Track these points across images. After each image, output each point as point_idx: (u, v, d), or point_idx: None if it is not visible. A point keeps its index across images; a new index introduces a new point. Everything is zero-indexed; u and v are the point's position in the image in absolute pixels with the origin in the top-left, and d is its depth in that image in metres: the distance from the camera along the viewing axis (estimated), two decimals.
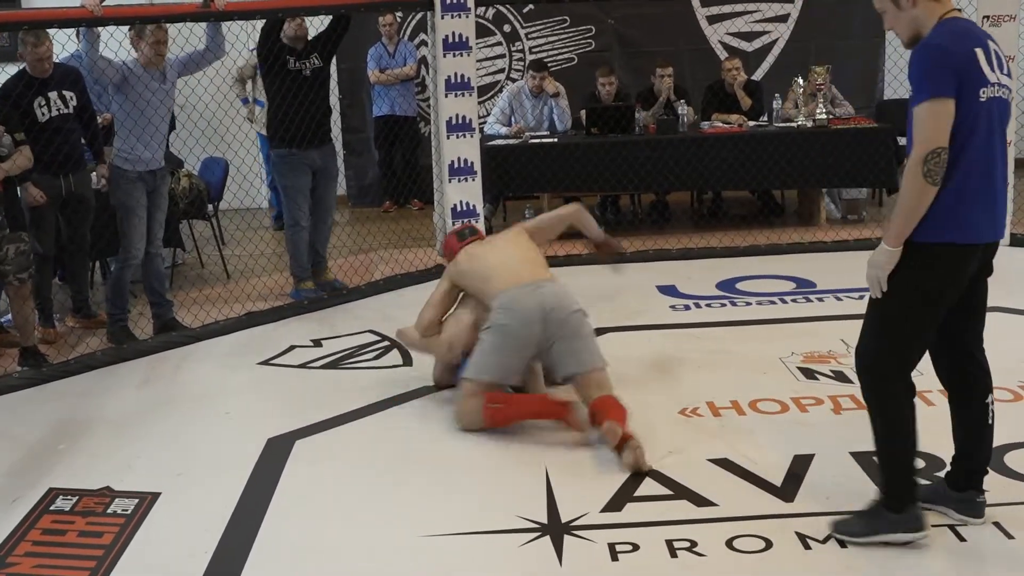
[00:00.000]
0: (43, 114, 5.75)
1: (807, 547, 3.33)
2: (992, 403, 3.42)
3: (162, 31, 5.77)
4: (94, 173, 6.09)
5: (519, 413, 4.38)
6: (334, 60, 9.38)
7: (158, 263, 6.09)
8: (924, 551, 3.27)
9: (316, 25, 6.76)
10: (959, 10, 3.19)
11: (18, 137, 5.48)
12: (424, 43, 9.06)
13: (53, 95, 5.79)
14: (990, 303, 5.92)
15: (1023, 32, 7.15)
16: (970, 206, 3.11)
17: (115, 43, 5.90)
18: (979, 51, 3.07)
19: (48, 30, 5.73)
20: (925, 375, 4.68)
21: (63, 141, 5.78)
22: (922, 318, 3.21)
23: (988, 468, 3.46)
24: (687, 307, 6.12)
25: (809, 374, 4.86)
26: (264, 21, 6.38)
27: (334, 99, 9.40)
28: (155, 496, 3.94)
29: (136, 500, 3.91)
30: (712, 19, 9.69)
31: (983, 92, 3.06)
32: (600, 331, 5.64)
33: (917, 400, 4.51)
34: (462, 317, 4.68)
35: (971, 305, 3.36)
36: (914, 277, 3.13)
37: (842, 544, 3.31)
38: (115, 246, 6.00)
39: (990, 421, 3.41)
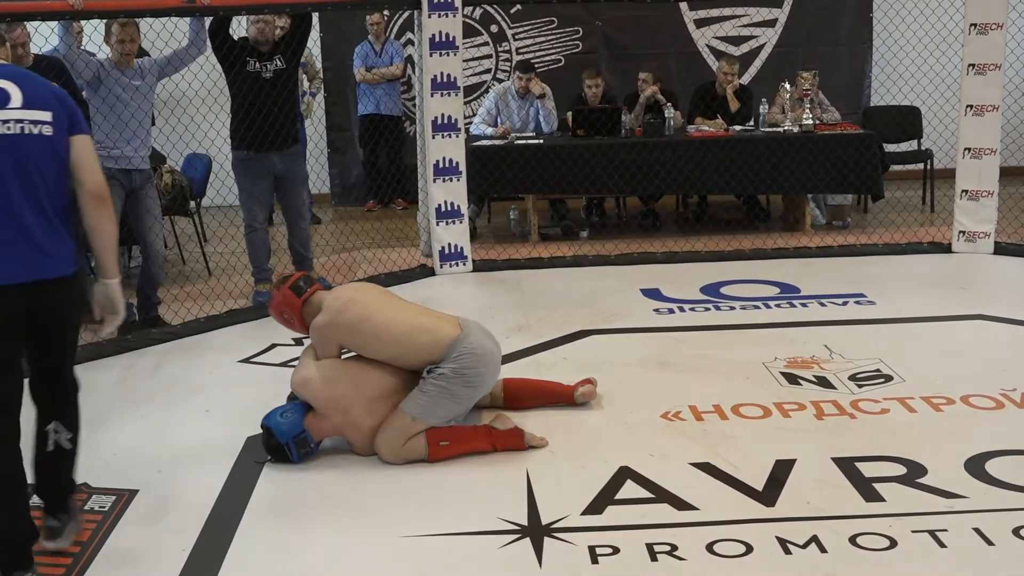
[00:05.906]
0: None
1: (787, 552, 3.32)
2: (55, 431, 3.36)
3: (127, 30, 5.69)
4: None
5: (466, 448, 4.10)
6: (319, 59, 9.44)
7: (154, 271, 6.00)
8: (906, 558, 3.26)
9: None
10: None
11: None
12: (411, 42, 9.04)
13: None
14: (973, 311, 5.97)
15: (1010, 41, 7.18)
16: None
17: (99, 36, 5.85)
18: None
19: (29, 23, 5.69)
20: (907, 381, 4.75)
21: None
22: None
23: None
24: (671, 311, 6.10)
25: (792, 379, 4.86)
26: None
27: (320, 97, 9.44)
28: (133, 493, 3.90)
29: (114, 497, 3.88)
30: (700, 23, 9.70)
31: None
32: (583, 333, 5.66)
33: (897, 405, 4.55)
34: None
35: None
36: None
37: (822, 550, 3.31)
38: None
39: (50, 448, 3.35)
